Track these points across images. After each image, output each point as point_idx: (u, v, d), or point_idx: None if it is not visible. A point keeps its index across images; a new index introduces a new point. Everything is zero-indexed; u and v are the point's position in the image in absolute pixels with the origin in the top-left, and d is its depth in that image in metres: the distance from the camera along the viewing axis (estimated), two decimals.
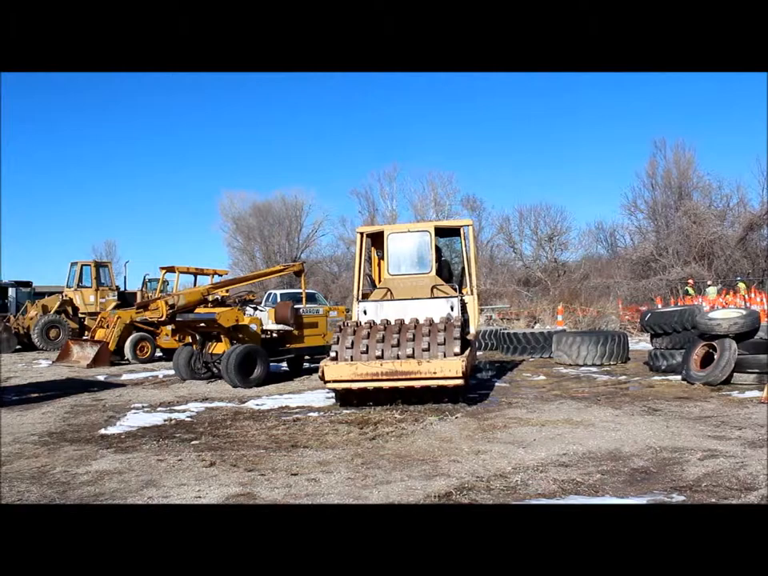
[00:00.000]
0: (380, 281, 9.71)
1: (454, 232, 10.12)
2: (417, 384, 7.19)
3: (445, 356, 7.23)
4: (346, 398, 7.65)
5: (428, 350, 7.32)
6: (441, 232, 9.73)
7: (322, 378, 7.36)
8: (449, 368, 7.05)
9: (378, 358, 7.35)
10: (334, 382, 7.32)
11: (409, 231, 9.28)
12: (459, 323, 7.72)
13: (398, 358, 7.32)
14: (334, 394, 7.84)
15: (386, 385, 7.22)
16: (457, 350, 7.28)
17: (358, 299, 8.92)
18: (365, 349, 7.47)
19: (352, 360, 7.39)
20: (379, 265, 10.16)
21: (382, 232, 9.35)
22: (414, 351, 7.35)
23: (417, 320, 7.96)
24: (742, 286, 22.88)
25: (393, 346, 7.43)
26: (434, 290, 8.72)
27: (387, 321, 8.05)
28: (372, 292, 9.26)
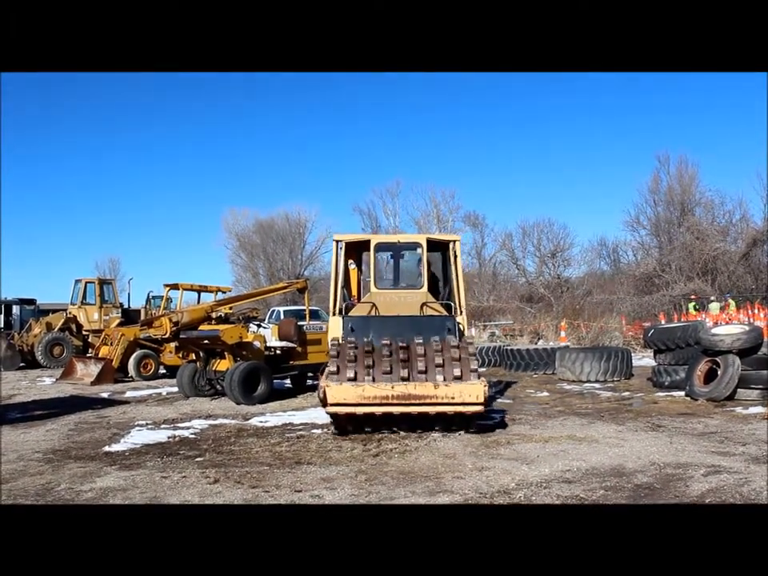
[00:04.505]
0: (359, 295, 8.83)
1: (443, 246, 8.84)
2: (431, 410, 6.39)
3: (462, 379, 6.41)
4: (344, 425, 6.77)
5: (442, 372, 6.47)
6: (431, 246, 8.51)
7: (322, 400, 6.42)
8: (469, 393, 6.31)
9: (386, 379, 6.45)
10: (338, 405, 6.40)
11: (399, 243, 8.43)
12: (473, 344, 6.93)
13: (410, 380, 6.43)
14: (331, 420, 6.84)
15: (396, 410, 6.40)
16: (475, 373, 6.48)
17: (334, 314, 8.00)
18: (369, 370, 6.50)
19: (356, 381, 6.42)
20: (358, 277, 9.15)
21: (368, 241, 8.32)
22: (426, 374, 6.47)
23: (422, 340, 6.85)
24: (731, 302, 23.06)
25: (402, 368, 6.50)
26: (425, 307, 7.87)
27: (391, 341, 6.86)
28: (352, 306, 8.21)
